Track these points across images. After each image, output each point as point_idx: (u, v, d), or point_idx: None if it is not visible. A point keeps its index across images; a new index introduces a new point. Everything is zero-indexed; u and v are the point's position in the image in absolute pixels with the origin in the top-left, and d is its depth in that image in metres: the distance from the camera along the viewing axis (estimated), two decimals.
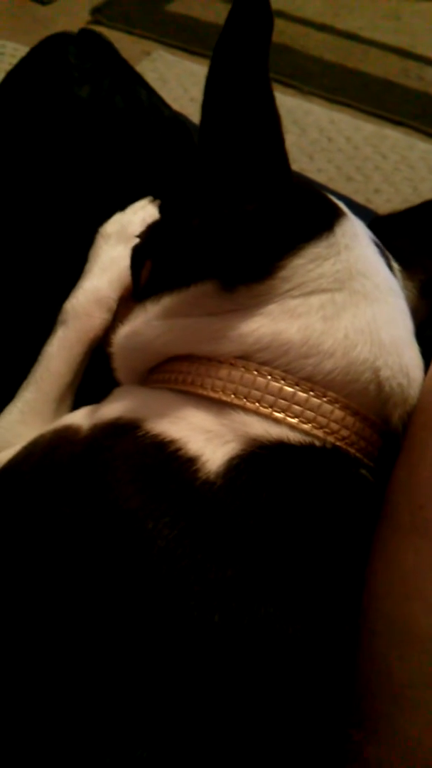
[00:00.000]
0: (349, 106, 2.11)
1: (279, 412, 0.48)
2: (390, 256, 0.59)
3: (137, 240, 0.67)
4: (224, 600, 0.42)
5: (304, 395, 0.48)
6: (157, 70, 2.16)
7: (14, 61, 0.82)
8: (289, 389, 0.48)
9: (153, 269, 0.61)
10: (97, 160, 0.78)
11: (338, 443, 0.48)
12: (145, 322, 0.55)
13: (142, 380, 0.58)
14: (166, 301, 0.54)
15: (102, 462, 0.48)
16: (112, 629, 0.41)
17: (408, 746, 0.41)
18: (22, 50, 0.82)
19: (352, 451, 0.49)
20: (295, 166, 0.51)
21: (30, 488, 0.50)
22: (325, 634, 0.44)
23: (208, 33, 2.26)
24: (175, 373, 0.52)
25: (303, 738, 0.43)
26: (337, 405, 0.48)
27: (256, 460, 0.47)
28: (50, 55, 0.80)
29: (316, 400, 0.48)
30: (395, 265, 0.59)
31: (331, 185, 0.87)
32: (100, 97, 0.78)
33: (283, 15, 2.38)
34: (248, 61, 0.44)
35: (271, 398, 0.48)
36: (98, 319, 0.68)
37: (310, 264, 0.50)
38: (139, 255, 0.65)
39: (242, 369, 0.49)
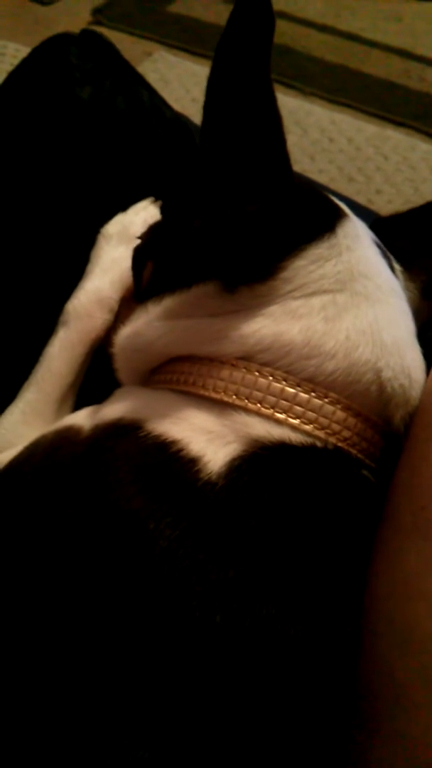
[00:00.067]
0: (350, 107, 2.12)
1: (281, 413, 0.48)
2: (391, 257, 0.59)
3: (139, 241, 0.67)
4: (226, 601, 0.42)
5: (306, 396, 0.48)
6: (159, 71, 2.16)
7: (15, 61, 0.82)
8: (291, 390, 0.48)
9: (154, 270, 0.61)
10: (98, 161, 0.78)
11: (340, 444, 0.48)
12: (146, 323, 0.55)
13: (144, 381, 0.58)
14: (168, 302, 0.54)
15: (104, 462, 0.48)
16: (114, 630, 0.41)
17: (409, 747, 0.41)
18: (24, 51, 0.82)
19: (354, 452, 0.49)
20: (297, 167, 0.51)
21: (32, 489, 0.50)
22: (326, 636, 0.44)
23: (209, 34, 2.26)
24: (176, 373, 0.52)
25: (304, 739, 0.43)
26: (338, 406, 0.48)
27: (258, 461, 0.47)
28: (51, 56, 0.80)
29: (317, 401, 0.48)
30: (397, 266, 0.59)
31: (333, 186, 0.87)
32: (102, 98, 0.78)
33: (284, 16, 2.38)
34: (250, 62, 0.44)
35: (272, 399, 0.48)
36: (100, 319, 0.68)
37: (312, 265, 0.50)
38: (140, 256, 0.65)
39: (244, 370, 0.49)
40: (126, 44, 1.83)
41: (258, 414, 0.48)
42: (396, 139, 2.01)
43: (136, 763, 0.39)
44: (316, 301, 0.49)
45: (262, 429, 0.48)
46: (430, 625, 0.42)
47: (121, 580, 0.43)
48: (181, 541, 0.43)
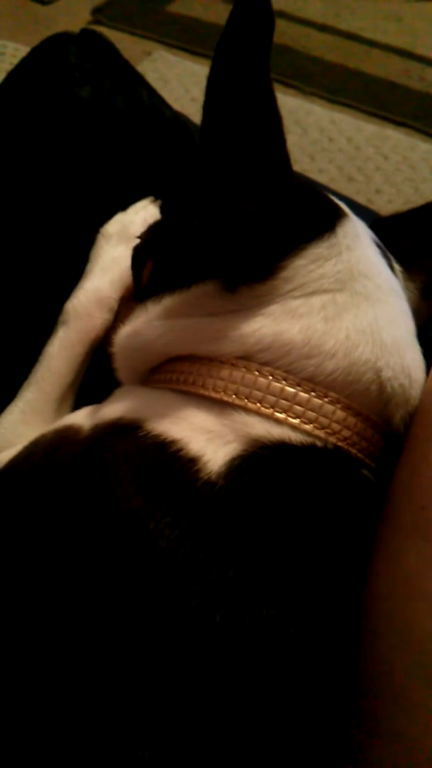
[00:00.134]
0: (350, 106, 2.12)
1: (280, 413, 0.48)
2: (391, 257, 0.59)
3: (138, 240, 0.67)
4: (226, 600, 0.42)
5: (306, 396, 0.48)
6: (158, 71, 2.16)
7: (15, 61, 0.82)
8: (291, 390, 0.48)
9: (154, 269, 0.61)
10: (98, 161, 0.78)
11: (340, 444, 0.48)
12: (146, 323, 0.55)
13: (144, 380, 0.58)
14: (168, 302, 0.54)
15: (103, 462, 0.48)
16: (114, 629, 0.41)
17: (409, 747, 0.41)
18: (23, 50, 0.82)
19: (354, 451, 0.49)
20: (297, 167, 0.51)
21: (31, 488, 0.50)
22: (326, 635, 0.44)
23: (209, 33, 2.26)
24: (176, 373, 0.52)
25: (304, 738, 0.43)
26: (338, 406, 0.48)
27: (258, 460, 0.47)
28: (51, 56, 0.80)
29: (317, 401, 0.48)
30: (397, 266, 0.59)
31: (333, 186, 0.87)
32: (101, 97, 0.78)
33: (284, 15, 2.38)
34: (249, 62, 0.44)
35: (272, 399, 0.48)
36: (99, 319, 0.68)
37: (312, 264, 0.50)
38: (140, 255, 0.65)
39: (243, 369, 0.49)
40: (125, 44, 1.83)
41: (258, 413, 0.48)
42: (396, 138, 2.01)
43: (137, 762, 0.39)
44: (316, 301, 0.49)
45: (262, 428, 0.48)
46: (430, 625, 0.42)
47: (120, 580, 0.43)
48: (181, 540, 0.43)
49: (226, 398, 0.49)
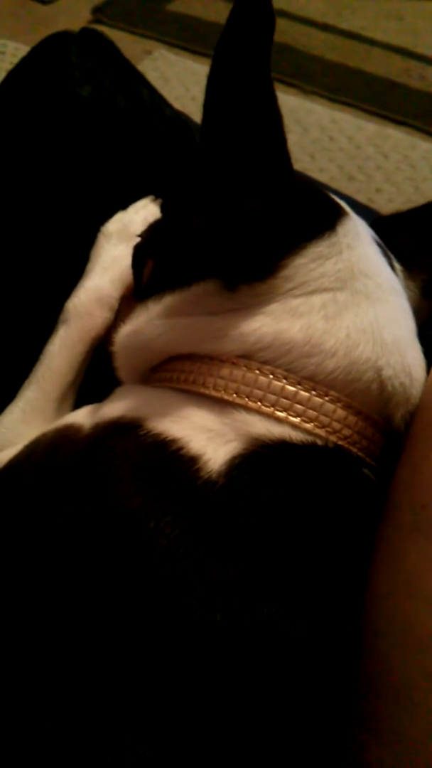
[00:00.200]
0: (351, 105, 2.12)
1: (281, 412, 0.48)
2: (392, 256, 0.59)
3: (139, 239, 0.67)
4: (226, 599, 0.42)
5: (306, 394, 0.48)
6: (159, 70, 2.16)
7: (15, 60, 0.81)
8: (291, 388, 0.48)
9: (155, 268, 0.61)
10: (98, 160, 0.78)
11: (340, 442, 0.48)
12: (146, 321, 0.55)
13: (144, 379, 0.58)
14: (168, 300, 0.54)
15: (104, 461, 0.48)
16: (115, 628, 0.41)
17: (410, 747, 0.41)
18: (23, 50, 0.82)
19: (354, 450, 0.49)
20: (297, 166, 0.51)
21: (32, 487, 0.50)
22: (327, 634, 0.44)
23: (209, 32, 2.26)
24: (176, 372, 0.52)
25: (305, 737, 0.43)
26: (339, 404, 0.48)
27: (258, 459, 0.47)
28: (51, 55, 0.80)
29: (318, 400, 0.48)
30: (397, 265, 0.59)
31: (333, 185, 0.87)
32: (102, 96, 0.78)
33: (285, 14, 2.38)
34: (250, 61, 0.43)
35: (273, 397, 0.48)
36: (100, 318, 0.68)
37: (312, 263, 0.50)
38: (140, 254, 0.65)
39: (244, 368, 0.49)
40: (126, 43, 1.83)
41: (258, 412, 0.48)
42: (396, 137, 2.01)
43: (137, 762, 0.39)
44: (317, 300, 0.49)
45: (263, 427, 0.48)
46: (431, 624, 0.42)
47: (121, 579, 0.43)
48: (182, 539, 0.43)
49: (226, 397, 0.49)
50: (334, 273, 0.50)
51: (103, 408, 0.54)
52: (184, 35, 2.31)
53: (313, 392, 0.48)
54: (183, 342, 0.52)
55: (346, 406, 0.49)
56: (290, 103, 2.05)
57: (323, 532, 0.46)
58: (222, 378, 0.49)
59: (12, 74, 0.81)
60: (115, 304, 0.69)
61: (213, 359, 0.50)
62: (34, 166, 0.78)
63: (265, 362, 0.49)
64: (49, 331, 0.69)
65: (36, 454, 0.53)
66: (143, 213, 0.74)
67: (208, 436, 0.48)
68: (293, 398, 0.48)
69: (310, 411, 0.48)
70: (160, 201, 0.76)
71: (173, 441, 0.48)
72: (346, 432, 0.49)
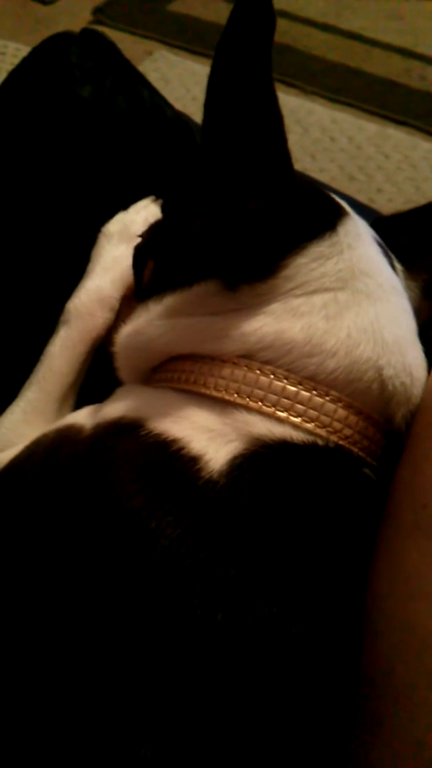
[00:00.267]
0: (351, 105, 2.11)
1: (282, 411, 0.48)
2: (393, 256, 0.59)
3: (140, 239, 0.67)
4: (227, 599, 0.42)
5: (307, 394, 0.48)
6: (159, 70, 2.16)
7: (16, 61, 0.81)
8: (292, 388, 0.48)
9: (155, 269, 0.61)
10: (99, 160, 0.78)
11: (341, 442, 0.48)
12: (147, 322, 0.55)
13: (145, 379, 0.58)
14: (169, 301, 0.54)
15: (105, 461, 0.48)
16: (116, 628, 0.41)
17: (411, 747, 0.41)
18: (24, 50, 0.82)
19: (355, 450, 0.49)
20: (298, 166, 0.51)
21: (33, 487, 0.50)
22: (328, 634, 0.44)
23: (210, 33, 2.26)
24: (177, 372, 0.52)
25: (306, 737, 0.43)
26: (340, 404, 0.48)
27: (259, 459, 0.47)
28: (52, 55, 0.80)
29: (319, 399, 0.48)
30: (398, 265, 0.59)
31: (334, 185, 0.87)
32: (103, 97, 0.78)
33: (285, 15, 2.38)
34: (251, 61, 0.43)
35: (273, 397, 0.48)
36: (101, 318, 0.68)
37: (313, 263, 0.50)
38: (141, 254, 0.65)
39: (245, 368, 0.49)
40: (126, 43, 1.83)
41: (259, 412, 0.48)
42: (397, 137, 2.01)
43: (138, 762, 0.39)
44: (318, 299, 0.49)
45: (264, 427, 0.48)
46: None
47: (122, 579, 0.43)
48: (183, 539, 0.43)
49: (227, 397, 0.49)
50: (335, 273, 0.50)
51: (104, 408, 0.54)
52: (184, 36, 2.31)
53: (314, 392, 0.48)
54: (184, 342, 0.52)
55: (347, 406, 0.49)
56: (291, 103, 2.05)
57: (324, 532, 0.46)
58: (223, 378, 0.49)
59: (13, 75, 0.81)
60: (116, 304, 0.69)
61: (214, 359, 0.50)
62: (34, 166, 0.78)
63: (266, 362, 0.49)
64: (50, 331, 0.69)
65: (37, 454, 0.53)
66: (144, 213, 0.74)
67: (209, 437, 0.48)
68: (294, 398, 0.48)
69: (311, 411, 0.48)
70: (160, 201, 0.76)
71: (174, 441, 0.48)
72: (347, 432, 0.49)
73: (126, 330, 0.58)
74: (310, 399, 0.48)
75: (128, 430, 0.50)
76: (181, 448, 0.47)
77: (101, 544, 0.44)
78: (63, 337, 0.68)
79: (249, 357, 0.49)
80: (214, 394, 0.49)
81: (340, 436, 0.48)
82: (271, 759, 0.41)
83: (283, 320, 0.49)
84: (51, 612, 0.43)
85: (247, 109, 0.45)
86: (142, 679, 0.40)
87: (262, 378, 0.48)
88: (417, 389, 0.51)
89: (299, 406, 0.48)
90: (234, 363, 0.49)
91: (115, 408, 0.53)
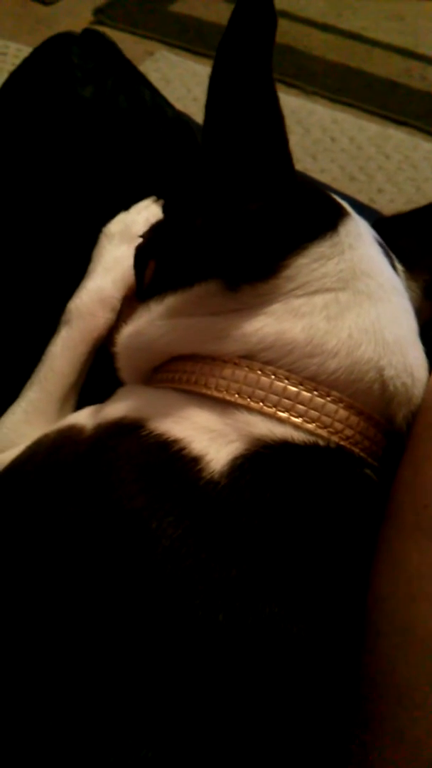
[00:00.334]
0: (352, 106, 2.12)
1: (283, 412, 0.48)
2: (393, 257, 0.59)
3: (141, 240, 0.67)
4: (228, 599, 0.42)
5: (308, 395, 0.48)
6: (160, 71, 2.16)
7: (17, 61, 0.81)
8: (293, 389, 0.48)
9: (156, 269, 0.61)
10: (100, 160, 0.78)
11: (342, 443, 0.48)
12: (148, 322, 0.55)
13: (146, 380, 0.58)
14: (170, 301, 0.54)
15: (106, 461, 0.48)
16: (117, 628, 0.41)
17: (412, 747, 0.41)
18: (25, 51, 0.83)
19: (357, 450, 0.49)
20: (299, 166, 0.51)
21: (34, 488, 0.50)
22: (329, 635, 0.44)
23: (211, 33, 2.26)
24: (178, 372, 0.52)
25: (307, 738, 0.43)
26: (341, 404, 0.48)
27: (260, 459, 0.47)
28: (53, 56, 0.80)
29: (320, 400, 0.48)
30: (399, 266, 0.59)
31: (335, 185, 0.87)
32: (104, 97, 0.78)
33: (286, 15, 2.38)
34: (252, 61, 0.43)
35: (275, 398, 0.48)
36: (102, 318, 0.68)
37: (314, 263, 0.50)
38: (142, 255, 0.65)
39: (246, 368, 0.49)
40: (128, 44, 1.82)
41: (260, 413, 0.48)
42: (398, 138, 2.01)
43: (140, 762, 0.39)
44: (319, 300, 0.49)
45: (265, 428, 0.48)
46: None
47: (123, 579, 0.43)
48: (184, 540, 0.43)
49: (228, 397, 0.49)
50: (336, 273, 0.50)
51: (105, 408, 0.54)
52: (185, 36, 2.31)
53: (315, 393, 0.48)
54: (185, 342, 0.52)
55: (348, 407, 0.49)
56: (292, 103, 2.05)
57: (325, 533, 0.46)
58: (224, 378, 0.49)
59: (14, 75, 0.81)
60: (117, 304, 0.69)
61: (215, 360, 0.50)
62: (36, 166, 0.78)
63: (267, 363, 0.49)
64: (51, 331, 0.69)
65: (38, 454, 0.53)
66: (145, 214, 0.74)
67: (210, 437, 0.48)
68: (295, 399, 0.48)
69: (312, 411, 0.48)
70: (162, 202, 0.76)
71: (175, 441, 0.48)
72: (348, 432, 0.49)
73: (127, 330, 0.58)
74: (311, 399, 0.48)
75: (129, 430, 0.50)
76: (183, 449, 0.47)
77: (102, 544, 0.44)
78: (64, 337, 0.68)
79: (250, 357, 0.49)
80: (215, 394, 0.49)
81: (341, 436, 0.48)
82: (272, 759, 0.41)
83: (284, 321, 0.49)
84: (52, 612, 0.43)
85: (248, 109, 0.45)
86: (143, 680, 0.40)
87: (263, 378, 0.48)
88: (418, 390, 0.51)
89: (300, 407, 0.48)
90: (235, 363, 0.49)
91: (116, 408, 0.53)
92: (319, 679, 0.43)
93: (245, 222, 0.49)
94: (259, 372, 0.49)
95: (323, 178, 1.78)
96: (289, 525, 0.45)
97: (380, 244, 0.56)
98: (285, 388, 0.48)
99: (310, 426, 0.48)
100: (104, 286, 0.69)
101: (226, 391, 0.49)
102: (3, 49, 2.14)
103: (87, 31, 0.82)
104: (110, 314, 0.69)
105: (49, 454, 0.52)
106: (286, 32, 2.32)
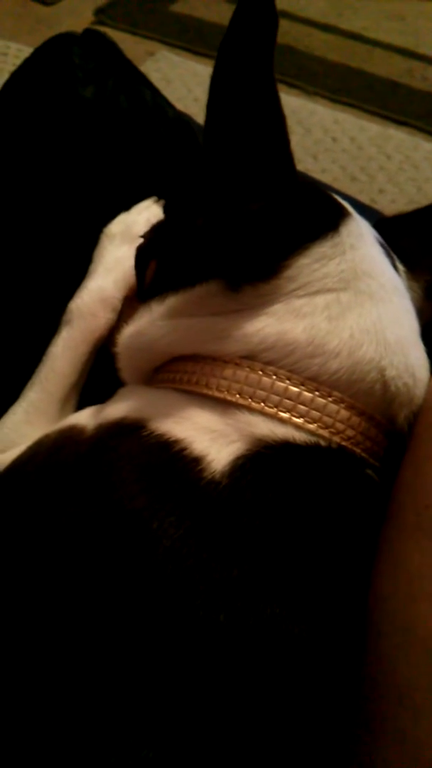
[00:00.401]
0: (353, 106, 2.11)
1: (284, 412, 0.48)
2: (395, 257, 0.59)
3: (142, 240, 0.67)
4: (229, 600, 0.42)
5: (310, 395, 0.48)
6: (161, 71, 2.16)
7: (18, 61, 0.82)
8: (295, 389, 0.48)
9: (158, 269, 0.61)
10: (101, 160, 0.78)
11: (344, 443, 0.48)
12: (149, 322, 0.55)
13: (147, 380, 0.58)
14: (171, 301, 0.54)
15: (107, 462, 0.48)
16: (118, 628, 0.41)
17: (413, 748, 0.41)
18: (26, 51, 0.82)
19: (358, 451, 0.49)
20: (300, 167, 0.51)
21: (35, 488, 0.50)
22: (330, 635, 0.44)
23: (211, 33, 2.26)
24: (179, 372, 0.52)
25: (309, 738, 0.43)
26: (342, 405, 0.48)
27: (262, 459, 0.47)
28: (54, 56, 0.80)
29: (321, 400, 0.48)
30: (400, 266, 0.59)
31: (336, 185, 0.87)
32: (105, 97, 0.78)
33: (287, 15, 2.38)
34: (253, 62, 0.43)
35: (276, 398, 0.48)
36: (103, 319, 0.68)
37: (316, 263, 0.50)
38: (143, 255, 0.65)
39: (247, 369, 0.49)
40: (128, 44, 1.82)
41: (261, 413, 0.48)
42: (399, 138, 2.01)
43: (141, 762, 0.39)
44: (320, 300, 0.49)
45: (266, 428, 0.48)
46: None
47: (124, 579, 0.43)
48: (185, 540, 0.43)
49: (229, 398, 0.49)
50: (338, 273, 0.50)
51: (106, 409, 0.54)
52: (186, 36, 2.31)
53: (317, 393, 0.48)
54: (186, 343, 0.52)
55: (350, 407, 0.49)
56: (292, 104, 2.05)
57: (327, 533, 0.46)
58: (225, 379, 0.49)
59: (15, 75, 0.81)
60: (118, 305, 0.69)
61: (216, 360, 0.50)
62: (36, 166, 0.78)
63: (269, 363, 0.49)
64: (52, 332, 0.69)
65: (39, 455, 0.53)
66: (146, 214, 0.74)
67: (211, 437, 0.48)
68: (296, 399, 0.48)
69: (314, 411, 0.48)
70: (162, 202, 0.76)
71: (176, 442, 0.48)
72: (350, 433, 0.49)
73: (128, 330, 0.58)
74: (312, 400, 0.48)
75: (130, 430, 0.50)
76: (184, 449, 0.47)
77: (103, 544, 0.44)
78: (65, 337, 0.68)
79: (251, 358, 0.49)
80: (217, 394, 0.49)
81: (343, 437, 0.48)
82: (273, 759, 0.41)
83: (285, 321, 0.49)
84: (54, 612, 0.43)
85: (249, 109, 0.45)
86: (144, 680, 0.40)
87: (265, 379, 0.48)
88: (420, 390, 0.51)
89: (302, 407, 0.48)
90: (236, 364, 0.49)
91: (117, 408, 0.53)
92: (320, 679, 0.43)
93: (246, 222, 0.49)
94: (261, 372, 0.49)
95: (324, 178, 1.78)
96: (290, 525, 0.45)
97: (381, 245, 0.56)
98: (286, 389, 0.48)
99: (312, 426, 0.48)
100: (105, 287, 0.69)
101: (227, 391, 0.49)
102: (4, 50, 2.14)
103: (88, 31, 0.82)
104: (111, 314, 0.69)
105: (50, 455, 0.52)
106: (287, 32, 2.32)
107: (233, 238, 0.50)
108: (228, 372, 0.49)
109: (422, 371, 0.52)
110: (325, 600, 0.45)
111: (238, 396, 0.49)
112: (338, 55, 2.30)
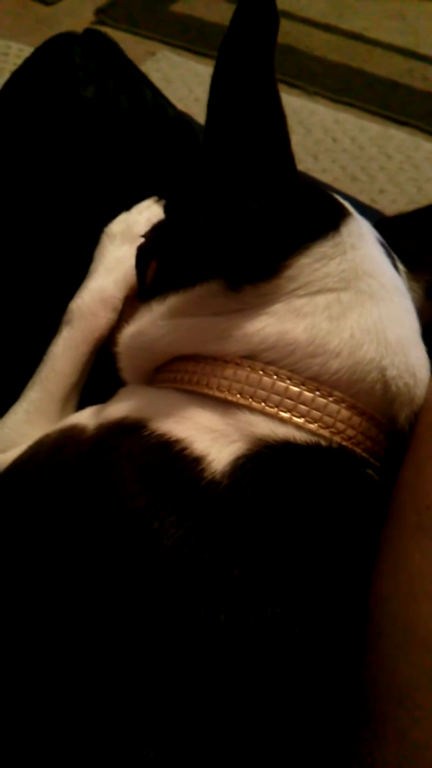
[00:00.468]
0: (353, 106, 2.11)
1: (285, 412, 0.48)
2: (395, 257, 0.59)
3: (142, 240, 0.67)
4: (230, 599, 0.42)
5: (310, 395, 0.48)
6: (162, 71, 2.16)
7: (19, 61, 0.81)
8: (295, 389, 0.48)
9: (158, 269, 0.61)
10: (102, 160, 0.78)
11: (344, 443, 0.48)
12: (150, 322, 0.55)
13: (148, 380, 0.58)
14: (172, 301, 0.54)
15: (108, 461, 0.48)
16: (118, 628, 0.41)
17: (413, 748, 0.41)
18: (27, 50, 0.82)
19: (359, 450, 0.49)
20: (300, 166, 0.51)
21: (36, 488, 0.50)
22: (331, 635, 0.44)
23: (212, 33, 2.26)
24: (180, 372, 0.52)
25: (309, 737, 0.43)
26: (343, 405, 0.48)
27: (262, 459, 0.47)
28: (55, 56, 0.80)
29: (322, 400, 0.48)
30: (401, 266, 0.59)
31: (336, 185, 0.87)
32: (105, 97, 0.78)
33: (287, 15, 2.38)
34: (254, 61, 0.43)
35: (276, 398, 0.48)
36: (104, 318, 0.68)
37: (316, 263, 0.50)
38: (144, 255, 0.65)
39: (248, 368, 0.49)
40: (129, 44, 1.82)
41: (262, 413, 0.48)
42: (399, 138, 2.01)
43: (141, 762, 0.39)
44: (321, 300, 0.49)
45: (267, 428, 0.48)
46: None
47: (125, 579, 0.43)
48: (186, 540, 0.43)
49: (230, 397, 0.49)
50: (338, 273, 0.50)
51: (107, 409, 0.54)
52: (187, 36, 2.31)
53: (317, 392, 0.48)
54: (187, 342, 0.52)
55: (350, 407, 0.49)
56: (293, 104, 2.05)
57: (327, 533, 0.46)
58: (226, 378, 0.49)
59: (16, 75, 0.81)
60: (119, 305, 0.69)
61: (217, 360, 0.50)
62: (37, 166, 0.78)
63: (269, 363, 0.49)
64: (53, 332, 0.69)
65: (40, 454, 0.53)
66: (147, 214, 0.74)
67: (212, 437, 0.48)
68: (297, 399, 0.48)
69: (314, 411, 0.48)
70: (163, 202, 0.76)
71: (177, 441, 0.48)
72: (350, 432, 0.49)
73: (129, 330, 0.58)
74: (313, 399, 0.48)
75: (131, 430, 0.50)
76: (184, 449, 0.47)
77: (104, 544, 0.44)
78: (66, 337, 0.68)
79: (252, 357, 0.49)
80: (217, 394, 0.49)
81: (343, 436, 0.48)
82: (274, 759, 0.41)
83: (286, 321, 0.49)
84: (54, 612, 0.43)
85: (250, 109, 0.45)
86: (145, 680, 0.40)
87: (265, 378, 0.48)
88: (420, 390, 0.51)
89: (302, 407, 0.48)
90: (237, 363, 0.49)
91: (118, 408, 0.53)
92: (320, 679, 0.43)
93: (247, 222, 0.49)
94: (261, 372, 0.49)
95: (325, 178, 1.78)
96: (291, 525, 0.45)
97: (382, 245, 0.56)
98: (287, 389, 0.48)
99: (312, 426, 0.48)
100: (106, 286, 0.69)
101: (228, 391, 0.49)
102: (4, 49, 2.14)
103: (88, 31, 0.82)
104: (112, 314, 0.69)
105: (51, 454, 0.52)
106: (288, 32, 2.32)
107: (234, 238, 0.50)
108: (229, 372, 0.49)
109: (423, 371, 0.52)
110: (326, 600, 0.45)
111: (238, 396, 0.49)
112: (339, 55, 2.30)
